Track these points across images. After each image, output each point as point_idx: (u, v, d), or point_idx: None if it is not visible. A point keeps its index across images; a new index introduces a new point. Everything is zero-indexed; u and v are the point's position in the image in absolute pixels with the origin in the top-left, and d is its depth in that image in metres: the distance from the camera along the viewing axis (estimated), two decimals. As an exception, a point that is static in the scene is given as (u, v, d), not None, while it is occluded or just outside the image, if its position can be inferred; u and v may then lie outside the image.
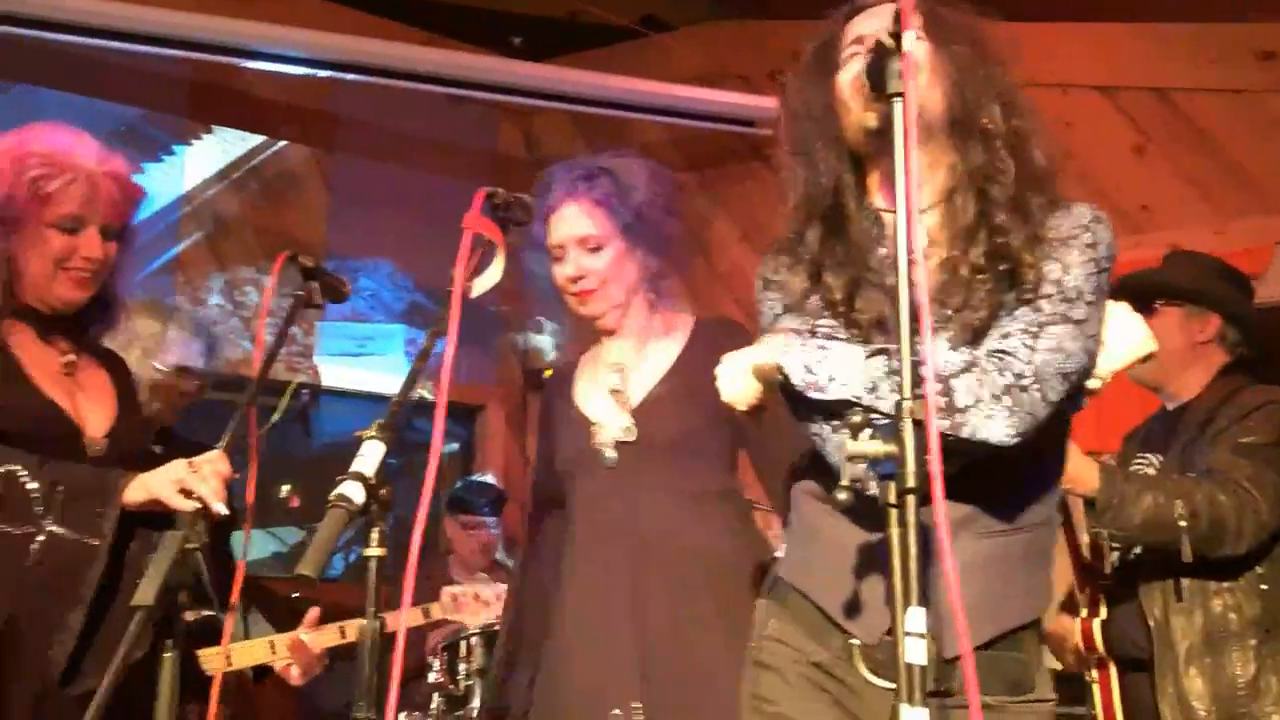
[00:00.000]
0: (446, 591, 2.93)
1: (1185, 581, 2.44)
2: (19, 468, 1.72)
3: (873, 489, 1.18)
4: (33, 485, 1.72)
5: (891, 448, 1.17)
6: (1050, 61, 4.28)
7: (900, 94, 1.20)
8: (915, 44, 1.23)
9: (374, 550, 1.43)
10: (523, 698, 2.17)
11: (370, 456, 1.41)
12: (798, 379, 1.42)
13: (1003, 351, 1.38)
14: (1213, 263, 2.78)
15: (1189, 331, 2.61)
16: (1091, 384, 1.47)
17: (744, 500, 2.22)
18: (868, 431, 1.18)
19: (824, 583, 1.50)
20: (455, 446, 5.31)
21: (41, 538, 1.71)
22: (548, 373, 3.00)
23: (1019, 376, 1.35)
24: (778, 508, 2.07)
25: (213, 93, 4.68)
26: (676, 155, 5.23)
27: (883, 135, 1.45)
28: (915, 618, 1.15)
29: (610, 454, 2.12)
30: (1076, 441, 1.97)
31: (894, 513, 1.17)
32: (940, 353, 1.41)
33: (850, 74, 1.50)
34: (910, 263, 1.18)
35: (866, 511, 1.24)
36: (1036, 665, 1.49)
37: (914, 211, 1.17)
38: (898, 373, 1.33)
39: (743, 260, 4.97)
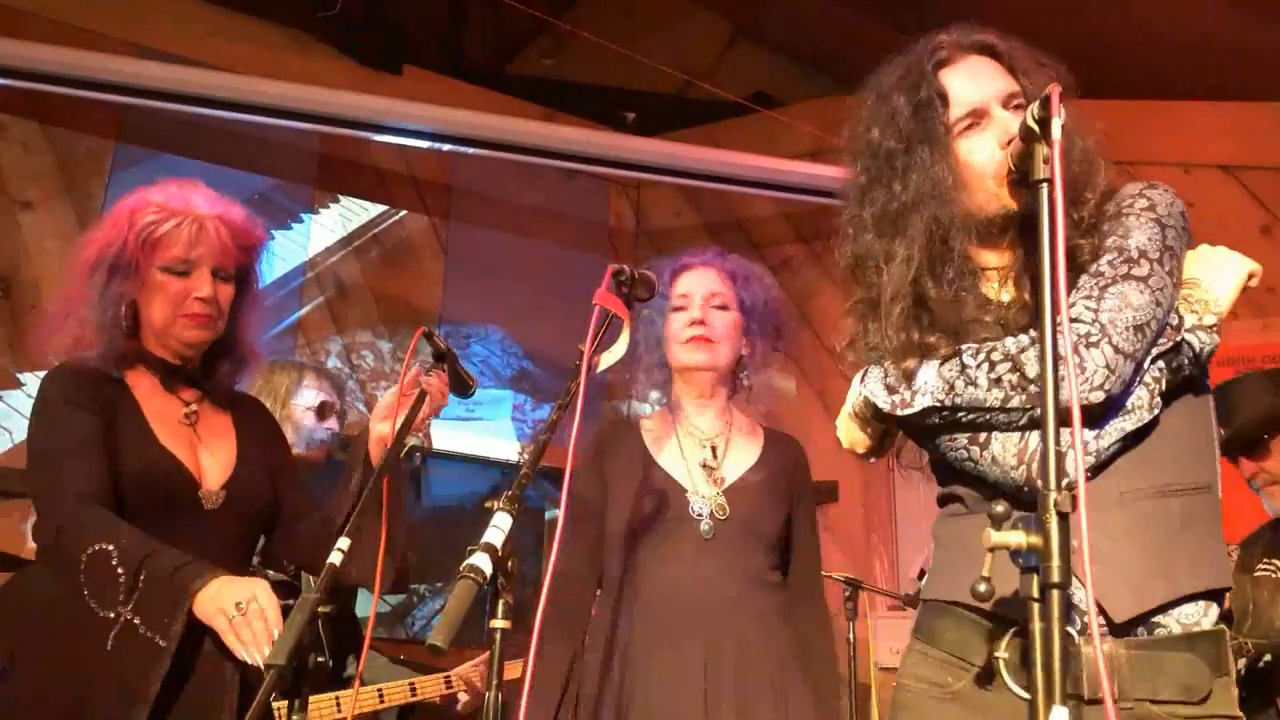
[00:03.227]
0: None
1: None
2: (111, 547, 1.73)
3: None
4: (120, 569, 1.72)
5: (1035, 539, 1.13)
6: (1173, 140, 4.21)
7: (1046, 180, 1.19)
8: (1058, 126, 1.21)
9: (499, 622, 1.44)
10: None
11: (501, 528, 1.43)
12: (883, 403, 1.44)
13: (1069, 319, 1.34)
14: None
15: None
16: (1208, 319, 1.41)
17: (785, 594, 2.28)
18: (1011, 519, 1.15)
19: (969, 579, 1.39)
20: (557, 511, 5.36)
21: (119, 625, 1.71)
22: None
23: (1086, 336, 1.32)
24: (804, 601, 2.29)
25: (339, 164, 4.90)
26: (785, 228, 5.26)
27: (1019, 217, 1.45)
28: (1059, 717, 1.11)
29: (706, 525, 2.18)
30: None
31: (1036, 607, 1.14)
32: (1009, 341, 1.39)
33: (985, 154, 1.46)
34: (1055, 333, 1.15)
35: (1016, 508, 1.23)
36: (1216, 673, 1.34)
37: (1063, 299, 1.15)
38: (967, 368, 1.37)
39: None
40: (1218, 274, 1.44)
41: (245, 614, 1.64)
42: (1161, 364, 1.37)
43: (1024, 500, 1.31)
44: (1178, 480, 1.39)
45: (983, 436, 1.39)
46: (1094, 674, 1.30)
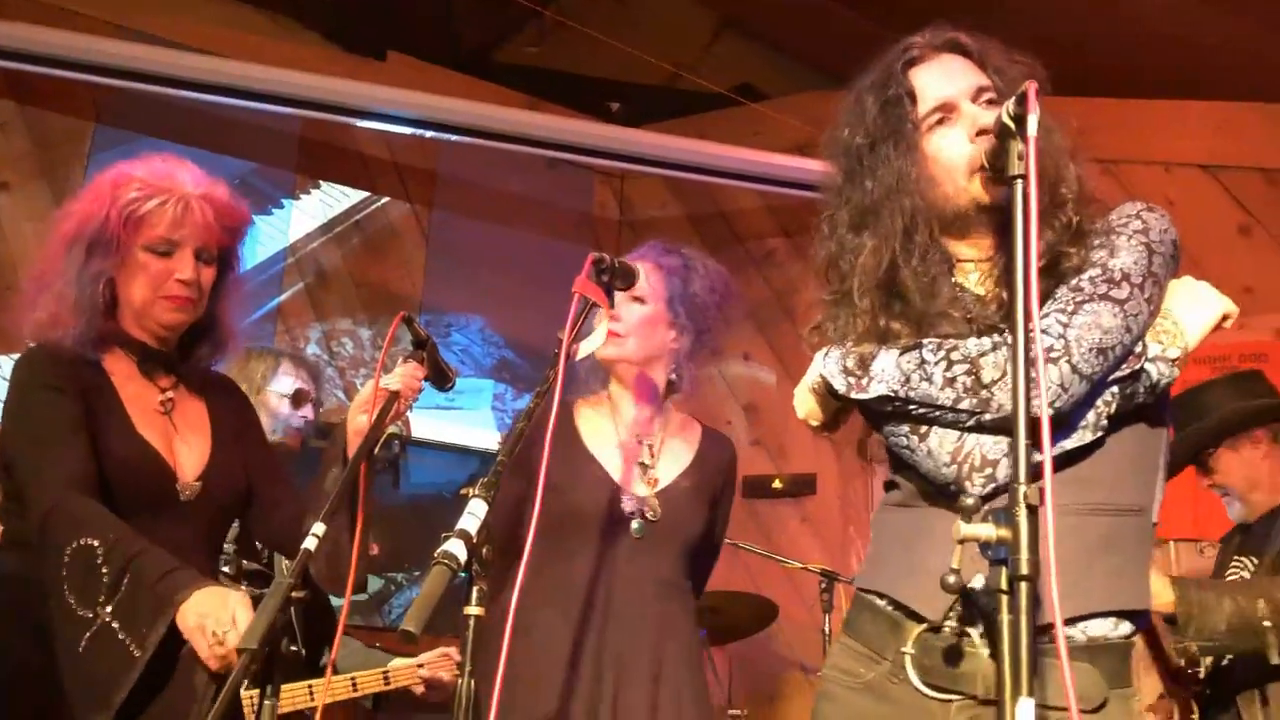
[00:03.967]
0: None
1: (1271, 686, 2.35)
2: (97, 543, 1.68)
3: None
4: (104, 568, 1.67)
5: (1005, 532, 1.14)
6: (1153, 139, 4.23)
7: (1021, 176, 1.20)
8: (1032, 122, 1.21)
9: (473, 609, 1.43)
10: None
11: (476, 515, 1.42)
12: (839, 385, 1.45)
13: (1038, 330, 1.32)
14: (1255, 378, 2.82)
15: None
16: (1171, 353, 1.40)
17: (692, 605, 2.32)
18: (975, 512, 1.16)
19: (894, 570, 1.47)
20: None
21: (97, 626, 1.66)
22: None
23: (1048, 350, 1.32)
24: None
25: (321, 149, 4.87)
26: (769, 221, 5.27)
27: (991, 211, 1.45)
28: (1025, 710, 1.12)
29: (638, 525, 2.19)
30: (1174, 533, 1.90)
31: (1004, 599, 1.15)
32: (970, 343, 1.40)
33: (955, 148, 1.46)
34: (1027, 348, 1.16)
35: (936, 498, 1.34)
36: (1114, 684, 1.36)
37: (1033, 298, 1.15)
38: (925, 363, 1.38)
39: (832, 328, 4.96)
40: (1192, 309, 1.43)
41: (224, 643, 1.60)
42: (1116, 389, 1.37)
43: (950, 496, 1.33)
44: (1109, 500, 1.39)
45: (923, 428, 1.41)
46: (987, 675, 1.33)
